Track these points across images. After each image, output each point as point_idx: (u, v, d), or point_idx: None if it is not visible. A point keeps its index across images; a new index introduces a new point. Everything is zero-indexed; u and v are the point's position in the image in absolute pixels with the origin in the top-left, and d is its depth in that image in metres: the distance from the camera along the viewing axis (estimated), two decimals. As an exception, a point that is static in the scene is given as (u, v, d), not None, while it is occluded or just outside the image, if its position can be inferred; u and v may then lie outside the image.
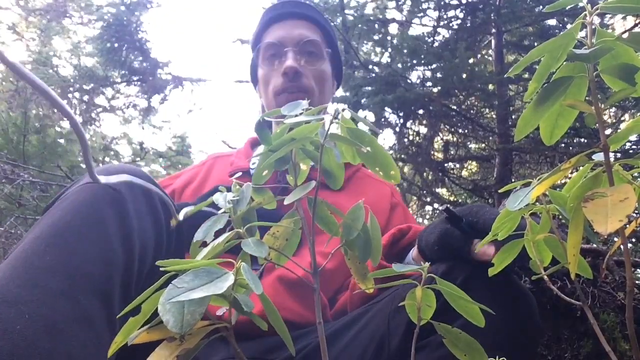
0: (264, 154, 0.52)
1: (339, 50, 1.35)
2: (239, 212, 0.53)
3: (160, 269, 0.43)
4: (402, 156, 3.68)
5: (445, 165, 3.86)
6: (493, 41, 3.46)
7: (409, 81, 3.21)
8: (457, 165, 4.15)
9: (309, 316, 0.95)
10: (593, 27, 0.45)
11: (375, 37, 3.49)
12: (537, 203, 0.53)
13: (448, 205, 0.78)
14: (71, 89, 4.63)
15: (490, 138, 3.64)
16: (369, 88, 3.10)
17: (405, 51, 3.07)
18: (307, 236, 0.52)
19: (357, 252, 0.55)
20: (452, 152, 3.90)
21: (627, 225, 0.49)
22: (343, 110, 0.50)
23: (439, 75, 3.05)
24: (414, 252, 0.92)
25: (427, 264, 0.56)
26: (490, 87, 3.34)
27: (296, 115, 0.50)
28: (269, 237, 0.57)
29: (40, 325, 0.56)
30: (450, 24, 3.41)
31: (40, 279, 0.59)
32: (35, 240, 0.64)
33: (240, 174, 1.15)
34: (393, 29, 3.85)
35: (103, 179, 0.46)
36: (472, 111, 3.58)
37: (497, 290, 0.73)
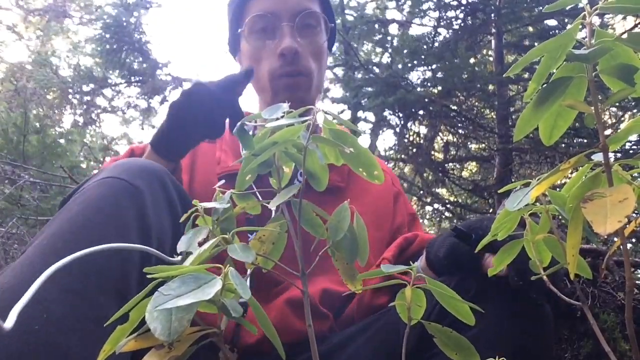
0: (246, 158, 0.52)
1: (333, 13, 1.20)
2: (219, 220, 0.53)
3: (148, 276, 0.42)
4: (403, 156, 3.69)
5: (446, 165, 3.86)
6: (493, 41, 3.46)
7: (409, 82, 3.21)
8: (458, 166, 4.15)
9: (317, 335, 0.93)
10: (592, 27, 0.45)
11: (376, 38, 3.49)
12: (536, 203, 0.53)
13: (457, 225, 0.76)
14: (71, 90, 4.63)
15: (491, 138, 3.64)
16: (370, 89, 3.10)
17: (405, 52, 3.08)
18: (294, 239, 0.52)
19: (344, 253, 0.55)
20: (452, 153, 3.90)
21: (627, 226, 0.49)
22: (324, 111, 0.50)
23: (439, 75, 3.05)
24: (421, 262, 0.90)
25: (416, 264, 0.56)
26: (491, 87, 3.35)
27: (277, 119, 0.50)
28: (255, 241, 0.56)
29: (57, 324, 0.55)
30: (451, 25, 3.41)
31: (57, 277, 0.59)
32: (53, 236, 0.63)
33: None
34: (393, 29, 3.86)
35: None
36: (472, 111, 3.59)
37: (510, 302, 0.73)
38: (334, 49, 3.76)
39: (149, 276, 0.42)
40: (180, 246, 0.52)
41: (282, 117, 0.50)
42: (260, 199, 0.60)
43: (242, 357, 0.88)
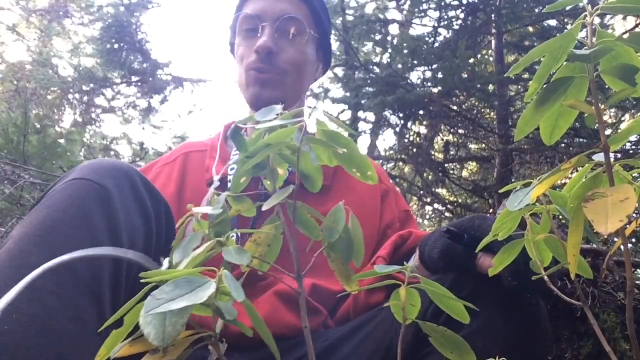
0: (240, 161, 0.52)
1: (328, 31, 1.25)
2: (214, 222, 0.53)
3: (141, 280, 0.42)
4: (403, 156, 3.69)
5: (446, 165, 3.86)
6: (493, 41, 3.46)
7: (409, 82, 3.21)
8: (458, 166, 4.16)
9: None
10: (593, 27, 0.45)
11: (376, 38, 3.50)
12: (537, 203, 0.53)
13: (449, 227, 0.76)
14: (71, 90, 4.63)
15: (491, 138, 3.64)
16: (370, 89, 3.10)
17: (405, 51, 3.08)
18: (289, 241, 0.52)
19: (339, 254, 0.55)
20: (452, 153, 3.90)
21: (627, 226, 0.49)
22: (315, 109, 0.50)
23: (439, 75, 3.05)
24: (414, 261, 0.90)
25: (410, 263, 0.56)
26: (491, 87, 3.35)
27: (270, 120, 0.49)
28: (250, 244, 0.56)
29: (29, 324, 0.55)
30: (451, 25, 3.41)
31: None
32: (21, 240, 0.63)
33: (218, 183, 1.09)
34: (393, 29, 3.86)
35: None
36: (472, 111, 3.59)
37: (505, 300, 0.73)
38: (334, 48, 3.76)
39: (142, 280, 0.42)
40: (176, 256, 0.51)
41: (275, 118, 0.50)
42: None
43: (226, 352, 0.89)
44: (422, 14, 3.44)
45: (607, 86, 0.49)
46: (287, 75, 1.12)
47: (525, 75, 3.25)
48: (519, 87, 3.67)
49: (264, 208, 0.50)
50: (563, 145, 3.07)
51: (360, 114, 3.61)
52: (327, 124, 0.51)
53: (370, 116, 3.74)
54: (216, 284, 0.40)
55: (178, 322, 0.38)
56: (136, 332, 0.42)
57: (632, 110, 2.88)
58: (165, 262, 0.51)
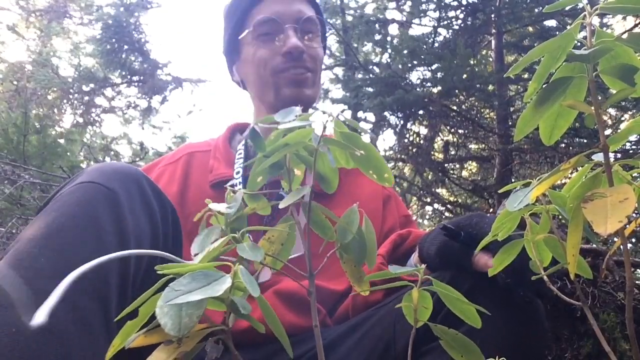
0: (258, 160, 0.52)
1: (326, 28, 1.28)
2: (231, 219, 0.54)
3: (157, 272, 0.43)
4: (402, 156, 3.69)
5: (446, 165, 3.86)
6: (493, 42, 3.46)
7: (408, 82, 3.21)
8: (457, 166, 4.15)
9: (307, 328, 0.93)
10: (592, 27, 0.45)
11: (376, 38, 3.50)
12: (537, 203, 0.53)
13: (445, 224, 0.77)
14: (71, 90, 4.63)
15: (491, 138, 3.64)
16: (369, 89, 3.10)
17: (405, 52, 3.08)
18: (302, 241, 0.52)
19: (352, 256, 0.55)
20: (452, 153, 3.90)
21: (627, 226, 0.49)
22: (335, 114, 0.50)
23: (439, 75, 3.05)
24: (414, 259, 0.91)
25: (424, 265, 0.56)
26: (491, 87, 3.35)
27: (289, 121, 0.50)
28: (264, 241, 0.56)
29: (36, 328, 0.55)
30: (451, 25, 3.41)
31: (35, 282, 0.58)
32: (29, 242, 0.63)
33: (234, 181, 1.07)
34: (393, 29, 3.86)
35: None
36: (472, 111, 3.59)
37: (502, 297, 0.73)
38: (334, 49, 3.77)
39: (158, 272, 0.43)
40: (195, 248, 0.52)
41: (294, 120, 0.50)
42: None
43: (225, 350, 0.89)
44: (422, 14, 3.44)
45: (606, 86, 0.49)
46: (316, 73, 1.14)
47: (525, 75, 3.25)
48: (519, 87, 3.67)
49: (280, 206, 0.50)
50: (563, 145, 3.07)
51: (360, 114, 3.61)
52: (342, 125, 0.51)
53: (370, 116, 3.74)
54: (232, 279, 0.41)
55: (194, 314, 0.39)
56: (151, 324, 0.43)
57: (632, 111, 2.88)
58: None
